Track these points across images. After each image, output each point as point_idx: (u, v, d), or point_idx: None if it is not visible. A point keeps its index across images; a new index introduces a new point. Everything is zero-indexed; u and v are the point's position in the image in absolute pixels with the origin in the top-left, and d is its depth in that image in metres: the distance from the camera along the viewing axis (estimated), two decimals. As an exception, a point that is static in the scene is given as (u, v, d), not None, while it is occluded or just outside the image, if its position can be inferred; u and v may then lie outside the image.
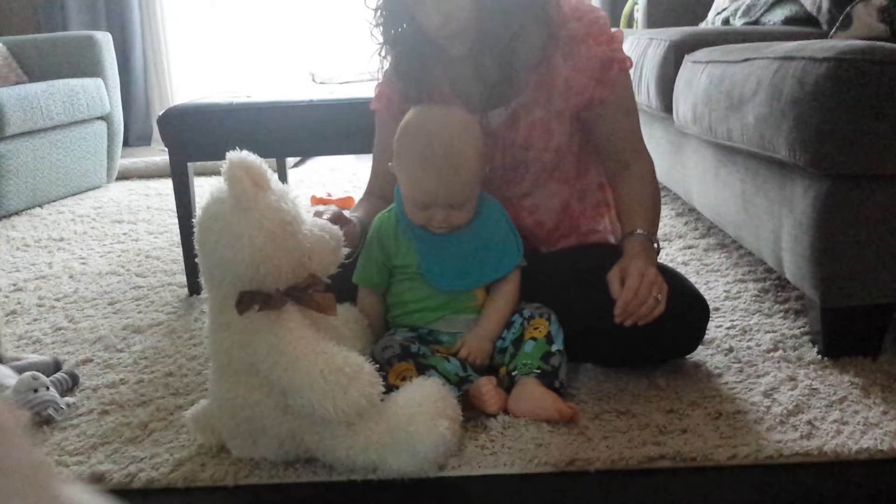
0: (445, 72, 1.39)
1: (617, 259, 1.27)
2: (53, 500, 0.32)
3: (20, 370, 1.36)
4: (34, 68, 3.32)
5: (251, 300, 1.04)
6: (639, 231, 1.30)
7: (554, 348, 1.24)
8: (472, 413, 1.19)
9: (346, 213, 1.34)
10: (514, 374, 1.23)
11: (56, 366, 1.44)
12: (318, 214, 1.27)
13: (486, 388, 1.19)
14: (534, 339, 1.25)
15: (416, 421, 1.04)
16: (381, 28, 1.35)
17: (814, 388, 1.23)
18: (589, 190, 1.45)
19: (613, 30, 1.34)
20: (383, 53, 1.39)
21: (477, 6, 1.26)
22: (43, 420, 1.25)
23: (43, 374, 1.33)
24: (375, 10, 1.34)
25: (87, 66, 3.36)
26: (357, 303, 1.34)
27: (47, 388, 1.28)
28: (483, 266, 1.30)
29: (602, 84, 1.32)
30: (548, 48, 1.31)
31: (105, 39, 3.47)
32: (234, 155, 1.04)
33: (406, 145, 1.26)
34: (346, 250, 1.19)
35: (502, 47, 1.29)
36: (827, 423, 1.14)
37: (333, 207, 1.28)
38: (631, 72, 1.36)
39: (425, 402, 1.07)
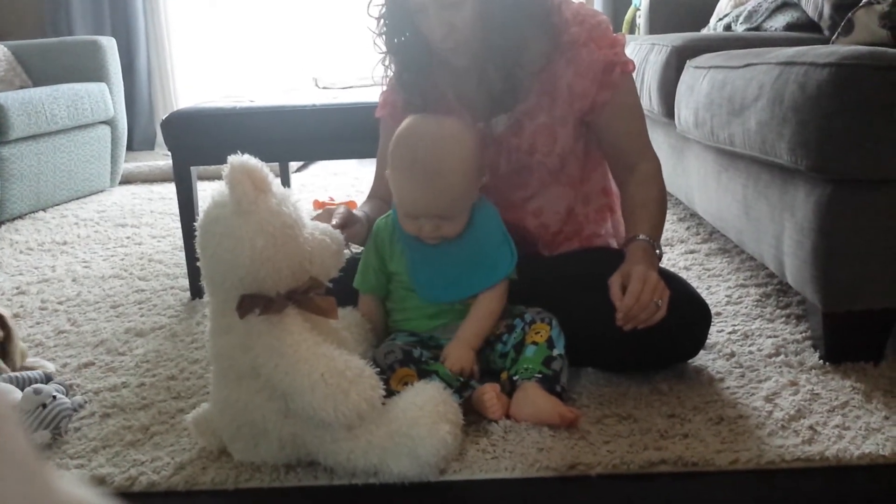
0: (449, 80, 1.39)
1: (619, 264, 1.27)
2: (45, 487, 0.32)
3: (14, 382, 1.32)
4: (39, 73, 3.33)
5: (252, 303, 1.04)
6: (641, 237, 1.30)
7: (555, 353, 1.24)
8: (474, 417, 1.18)
9: (356, 211, 1.35)
10: (515, 378, 1.23)
11: (47, 378, 1.39)
12: (329, 213, 1.27)
13: (489, 395, 1.19)
14: (535, 343, 1.25)
15: (418, 425, 1.04)
16: (385, 37, 1.36)
17: (815, 394, 1.23)
18: (593, 193, 1.45)
19: (615, 34, 1.34)
20: (387, 62, 1.40)
21: (481, 18, 1.25)
22: (61, 432, 1.22)
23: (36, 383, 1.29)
24: (378, 19, 1.34)
25: (91, 70, 3.37)
26: (358, 307, 1.34)
27: (54, 398, 1.24)
28: (472, 277, 1.29)
29: (604, 87, 1.32)
30: (551, 55, 1.31)
31: (109, 44, 3.48)
32: (235, 159, 1.04)
33: (397, 157, 1.26)
34: (347, 253, 1.19)
35: (507, 57, 1.29)
36: (828, 428, 1.13)
37: (343, 207, 1.28)
38: (634, 75, 1.36)
39: (427, 405, 1.07)
